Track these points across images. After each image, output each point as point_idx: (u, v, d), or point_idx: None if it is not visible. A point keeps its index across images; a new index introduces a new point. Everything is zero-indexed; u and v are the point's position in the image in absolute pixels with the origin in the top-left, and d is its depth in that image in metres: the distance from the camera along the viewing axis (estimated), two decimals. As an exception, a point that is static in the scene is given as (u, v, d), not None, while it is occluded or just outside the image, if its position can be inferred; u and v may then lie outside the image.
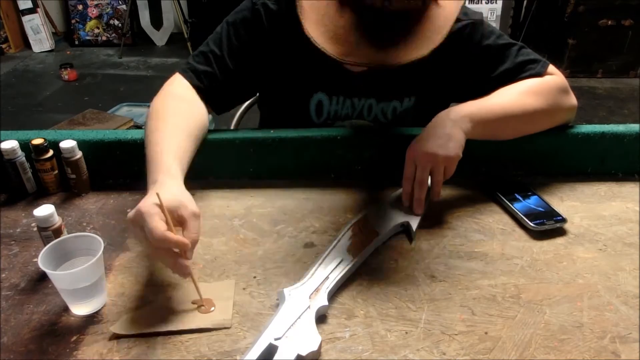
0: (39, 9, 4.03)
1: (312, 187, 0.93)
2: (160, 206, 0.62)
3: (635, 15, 3.30)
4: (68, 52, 4.12)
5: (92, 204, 0.89)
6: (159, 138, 0.77)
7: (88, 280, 0.63)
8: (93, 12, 4.16)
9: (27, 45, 4.10)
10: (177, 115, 0.82)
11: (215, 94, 0.91)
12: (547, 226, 0.81)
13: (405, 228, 0.81)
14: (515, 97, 0.87)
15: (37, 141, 0.86)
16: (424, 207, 0.82)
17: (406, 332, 0.63)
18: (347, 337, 0.62)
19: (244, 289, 0.70)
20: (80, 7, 4.15)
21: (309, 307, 0.63)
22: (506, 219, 0.85)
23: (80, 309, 0.65)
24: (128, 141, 0.91)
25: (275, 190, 0.91)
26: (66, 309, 0.66)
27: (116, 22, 4.19)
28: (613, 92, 3.32)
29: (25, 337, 0.62)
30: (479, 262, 0.75)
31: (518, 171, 0.97)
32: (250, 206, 0.87)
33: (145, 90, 3.35)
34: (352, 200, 0.89)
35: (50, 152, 0.88)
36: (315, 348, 0.58)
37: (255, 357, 0.56)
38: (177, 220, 0.64)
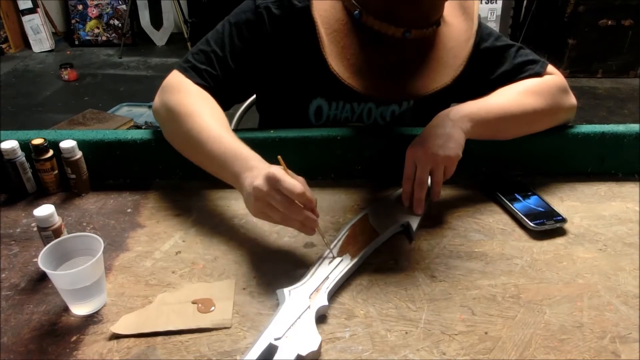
0: (39, 9, 4.03)
1: (312, 187, 0.92)
2: (286, 170, 0.68)
3: (635, 15, 3.30)
4: (68, 52, 4.12)
5: (92, 204, 0.89)
6: (215, 136, 0.77)
7: (88, 280, 0.63)
8: (93, 12, 4.16)
9: (27, 45, 4.10)
10: (210, 114, 0.81)
11: (217, 93, 0.90)
12: (547, 226, 0.81)
13: (405, 228, 0.81)
14: (515, 97, 0.88)
15: (37, 141, 0.86)
16: (424, 207, 0.82)
17: (406, 332, 0.63)
18: (347, 337, 0.62)
19: (244, 289, 0.70)
20: (80, 7, 4.15)
21: (309, 307, 0.63)
22: (506, 219, 0.85)
23: (80, 309, 0.65)
24: (128, 141, 0.91)
25: (275, 190, 0.91)
26: (66, 309, 0.66)
27: (116, 22, 4.19)
28: (613, 92, 3.33)
29: (25, 337, 0.62)
30: (479, 262, 0.75)
31: (518, 171, 0.97)
32: (250, 206, 0.87)
33: (145, 90, 3.35)
34: (352, 200, 0.89)
35: (50, 152, 0.88)
36: (315, 348, 0.58)
37: (255, 357, 0.56)
38: None
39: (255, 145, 0.92)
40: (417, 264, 0.75)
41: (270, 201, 0.67)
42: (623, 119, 2.98)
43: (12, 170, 0.87)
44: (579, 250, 0.78)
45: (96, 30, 4.21)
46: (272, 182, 0.66)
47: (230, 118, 1.33)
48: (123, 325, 0.63)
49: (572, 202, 0.90)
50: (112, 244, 0.78)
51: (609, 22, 3.33)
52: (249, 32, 0.89)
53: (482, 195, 0.91)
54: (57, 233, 0.72)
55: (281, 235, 0.80)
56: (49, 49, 4.10)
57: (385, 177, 0.94)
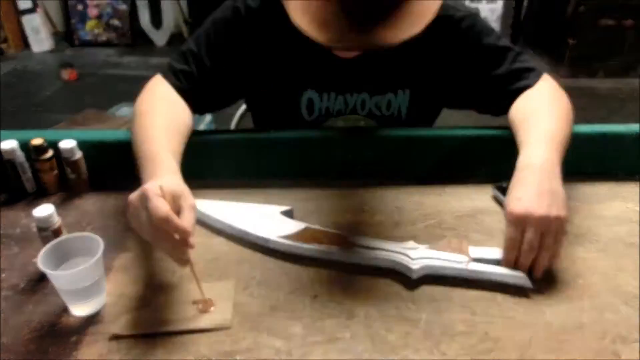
0: (38, 9, 4.02)
1: (312, 187, 0.93)
2: (163, 192, 0.62)
3: (636, 15, 3.29)
4: (68, 52, 4.12)
5: (92, 204, 0.89)
6: (150, 137, 0.77)
7: (88, 281, 0.63)
8: (93, 12, 4.16)
9: (27, 45, 4.09)
10: (163, 115, 0.82)
11: (193, 93, 0.89)
12: (547, 226, 0.81)
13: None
14: (559, 120, 0.84)
15: (37, 141, 0.86)
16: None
17: (406, 332, 0.63)
18: (347, 337, 0.62)
19: (244, 289, 0.70)
20: (80, 7, 4.14)
21: None
22: (506, 219, 0.85)
23: (80, 309, 0.65)
24: (128, 141, 0.90)
25: (275, 190, 0.91)
26: (66, 309, 0.66)
27: (116, 22, 4.18)
28: (613, 92, 3.32)
29: (25, 337, 0.62)
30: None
31: (518, 171, 0.97)
32: (250, 206, 0.87)
33: (145, 91, 3.34)
34: (352, 200, 0.89)
35: (50, 152, 0.88)
36: None
37: None
38: (175, 210, 0.63)
39: (255, 145, 0.92)
40: (417, 264, 0.74)
41: (138, 218, 0.62)
42: (623, 119, 2.96)
43: (12, 170, 0.87)
44: (579, 251, 0.78)
45: (96, 30, 4.20)
46: (142, 198, 0.61)
47: (230, 118, 1.33)
48: (123, 325, 0.63)
49: (572, 202, 0.90)
50: (112, 244, 0.78)
51: (609, 22, 3.33)
52: (226, 29, 0.89)
53: (482, 195, 0.91)
54: (56, 233, 0.72)
55: (281, 235, 0.80)
56: (49, 49, 4.10)
57: (385, 177, 0.94)
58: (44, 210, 0.71)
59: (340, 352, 0.60)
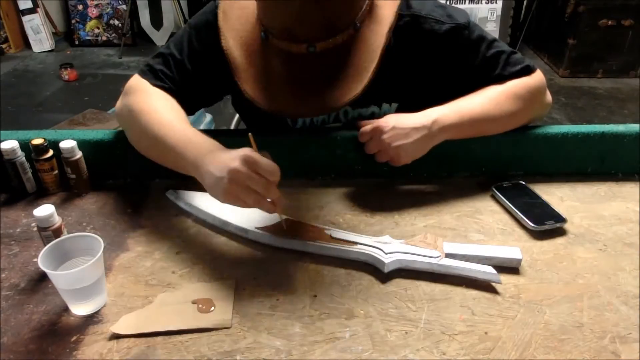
0: (39, 9, 4.02)
1: (312, 187, 0.93)
2: (256, 150, 0.69)
3: (635, 15, 3.29)
4: (68, 52, 4.12)
5: (92, 204, 0.89)
6: (171, 127, 0.77)
7: (88, 280, 0.63)
8: (93, 12, 4.16)
9: (27, 45, 4.10)
10: (169, 109, 0.82)
11: (175, 96, 0.87)
12: (547, 226, 0.81)
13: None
14: (493, 100, 0.87)
15: (37, 141, 0.86)
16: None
17: (406, 332, 0.63)
18: (347, 337, 0.62)
19: (244, 289, 0.70)
20: (80, 7, 4.14)
21: None
22: (506, 219, 0.85)
23: (80, 309, 0.65)
24: (128, 141, 0.91)
25: (275, 190, 0.91)
26: (66, 309, 0.66)
27: (116, 22, 4.18)
28: (613, 92, 3.32)
29: (25, 337, 0.62)
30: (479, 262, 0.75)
31: (518, 171, 0.97)
32: (250, 206, 0.87)
33: (145, 90, 3.34)
34: (352, 200, 0.89)
35: (50, 152, 0.88)
36: None
37: None
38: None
39: (255, 145, 0.92)
40: (417, 264, 0.75)
41: (248, 183, 0.66)
42: (623, 119, 2.98)
43: (12, 170, 0.87)
44: (579, 250, 0.78)
45: (96, 30, 4.21)
46: (250, 164, 0.66)
47: (230, 118, 1.33)
48: (123, 325, 0.63)
49: (572, 202, 0.90)
50: (112, 244, 0.78)
51: (609, 22, 3.33)
52: (208, 33, 0.86)
53: (482, 195, 0.91)
54: (57, 233, 0.72)
55: (281, 235, 0.80)
56: (49, 49, 4.10)
57: (385, 177, 0.94)
58: (44, 210, 0.71)
59: (340, 352, 0.60)
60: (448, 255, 0.73)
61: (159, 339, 0.62)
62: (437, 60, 0.90)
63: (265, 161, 0.67)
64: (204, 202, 0.83)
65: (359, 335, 0.63)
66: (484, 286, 0.70)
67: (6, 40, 4.02)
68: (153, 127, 0.78)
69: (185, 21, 3.97)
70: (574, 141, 0.94)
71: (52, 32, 4.18)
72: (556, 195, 0.91)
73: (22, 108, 3.10)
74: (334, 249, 0.75)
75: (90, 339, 0.62)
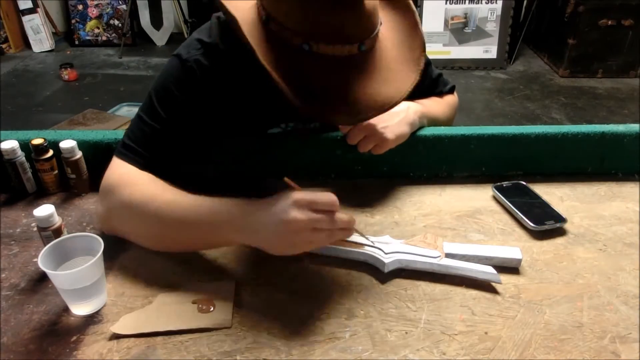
0: (39, 9, 4.02)
1: (312, 187, 0.92)
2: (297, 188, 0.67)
3: (635, 15, 3.29)
4: (68, 52, 4.12)
5: (92, 204, 0.89)
6: (186, 204, 0.70)
7: (88, 280, 0.63)
8: (93, 12, 4.16)
9: (27, 45, 4.09)
10: (169, 186, 0.75)
11: (162, 167, 0.79)
12: (547, 226, 0.81)
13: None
14: (443, 107, 1.03)
15: (37, 141, 0.86)
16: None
17: (406, 332, 0.63)
18: (347, 337, 0.62)
19: (244, 289, 0.70)
20: (80, 7, 4.14)
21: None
22: (506, 219, 0.85)
23: (80, 309, 0.65)
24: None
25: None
26: (66, 309, 0.66)
27: (116, 22, 4.18)
28: (613, 92, 3.32)
29: (25, 337, 0.62)
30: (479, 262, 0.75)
31: (518, 171, 0.97)
32: (250, 206, 0.87)
33: (145, 90, 3.32)
34: (352, 200, 0.89)
35: (50, 152, 0.88)
36: None
37: None
38: None
39: (256, 145, 0.92)
40: (417, 264, 0.75)
41: (315, 225, 0.63)
42: (623, 119, 2.98)
43: (12, 170, 0.87)
44: (579, 250, 0.78)
45: (96, 30, 4.20)
46: (305, 205, 0.62)
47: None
48: (123, 325, 0.63)
49: (572, 202, 0.90)
50: (112, 244, 0.78)
51: (609, 22, 3.33)
52: (181, 92, 0.79)
53: (482, 195, 0.91)
54: (57, 233, 0.72)
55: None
56: (49, 49, 4.10)
57: (385, 177, 0.94)
58: (44, 210, 0.71)
59: (340, 352, 0.60)
60: (448, 255, 0.73)
61: (159, 339, 0.62)
62: None
63: (319, 195, 0.63)
64: None
65: (359, 335, 0.63)
66: (484, 286, 0.70)
67: (6, 40, 4.02)
68: (165, 213, 0.71)
69: (185, 21, 3.97)
70: (574, 141, 0.94)
71: (52, 32, 4.17)
72: (556, 195, 0.91)
73: (22, 108, 3.09)
74: (334, 249, 0.75)
75: (90, 339, 0.62)
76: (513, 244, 0.79)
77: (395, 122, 0.86)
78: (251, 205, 0.67)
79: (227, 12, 0.71)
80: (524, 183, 0.92)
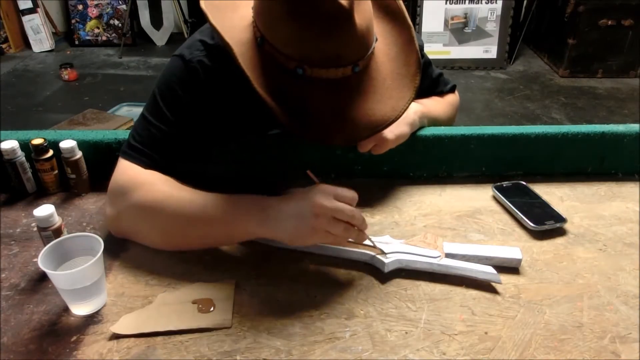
0: (39, 9, 4.02)
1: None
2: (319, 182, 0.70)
3: (635, 15, 3.29)
4: (68, 52, 4.12)
5: (92, 204, 0.89)
6: (201, 201, 0.72)
7: (88, 280, 0.63)
8: (93, 12, 4.16)
9: (27, 45, 4.09)
10: (181, 188, 0.75)
11: (170, 167, 0.79)
12: (547, 226, 0.81)
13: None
14: (444, 107, 1.03)
15: (37, 141, 0.86)
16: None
17: (406, 332, 0.63)
18: (347, 337, 0.62)
19: (244, 289, 0.70)
20: (80, 7, 4.14)
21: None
22: (506, 219, 0.85)
23: (80, 309, 0.65)
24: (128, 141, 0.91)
25: (275, 190, 0.91)
26: (66, 309, 0.66)
27: (116, 22, 4.18)
28: (613, 92, 3.32)
29: (25, 337, 0.62)
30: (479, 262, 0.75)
31: (518, 171, 0.97)
32: (250, 206, 0.87)
33: (145, 90, 3.34)
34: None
35: (50, 152, 0.88)
36: None
37: None
38: None
39: (255, 145, 0.92)
40: (417, 264, 0.75)
41: (336, 214, 0.66)
42: (623, 119, 2.98)
43: (12, 170, 0.87)
44: (579, 250, 0.78)
45: (96, 30, 4.20)
46: (330, 194, 0.66)
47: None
48: (123, 325, 0.63)
49: (572, 202, 0.90)
50: (112, 244, 0.78)
51: (609, 22, 3.33)
52: (185, 92, 0.78)
53: (482, 195, 0.91)
54: (57, 233, 0.72)
55: (281, 235, 0.80)
56: (49, 49, 4.09)
57: (386, 177, 0.94)
58: (44, 210, 0.71)
59: (340, 352, 0.60)
60: (448, 255, 0.73)
61: (159, 339, 0.62)
62: None
63: (342, 189, 0.67)
64: None
65: (359, 335, 0.63)
66: (484, 286, 0.70)
67: (6, 40, 4.02)
68: (182, 211, 0.72)
69: (185, 21, 3.97)
70: (574, 141, 0.94)
71: (52, 32, 4.17)
72: (556, 195, 0.91)
73: (22, 108, 3.09)
74: (334, 249, 0.75)
75: (90, 339, 0.62)
76: (513, 244, 0.79)
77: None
78: (271, 200, 0.70)
79: (221, 39, 0.71)
80: (524, 183, 0.92)
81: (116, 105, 2.82)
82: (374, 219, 0.85)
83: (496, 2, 3.51)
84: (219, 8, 0.75)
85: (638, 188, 0.94)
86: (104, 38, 4.22)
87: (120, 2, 4.13)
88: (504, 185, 0.91)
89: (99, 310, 0.66)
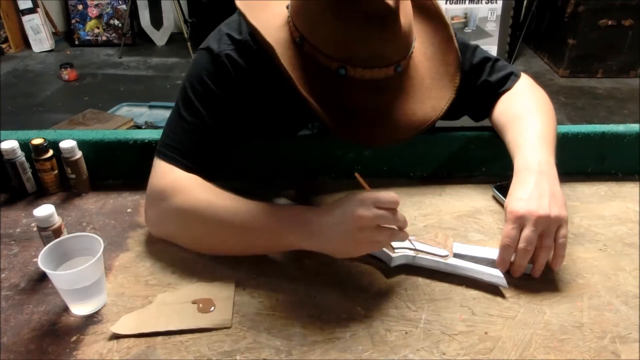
0: (39, 9, 4.02)
1: (312, 186, 0.92)
2: (366, 187, 0.68)
3: (635, 15, 3.29)
4: (68, 52, 4.12)
5: (92, 204, 0.89)
6: (241, 210, 0.71)
7: (88, 280, 0.63)
8: (93, 12, 4.16)
9: (27, 45, 4.09)
10: (220, 194, 0.73)
11: (208, 167, 0.78)
12: (547, 226, 0.81)
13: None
14: (546, 119, 0.84)
15: (37, 141, 0.86)
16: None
17: (406, 332, 0.63)
18: (347, 337, 0.62)
19: (244, 289, 0.70)
20: (80, 7, 4.14)
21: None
22: (506, 219, 0.85)
23: (80, 309, 0.65)
24: (128, 141, 0.91)
25: (275, 190, 0.91)
26: (66, 309, 0.66)
27: (116, 22, 4.18)
28: (613, 92, 3.32)
29: (25, 337, 0.62)
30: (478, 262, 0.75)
31: (518, 171, 0.97)
32: (250, 206, 0.87)
33: (145, 90, 3.34)
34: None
35: (50, 152, 0.88)
36: None
37: None
38: None
39: (256, 145, 0.92)
40: (417, 264, 0.75)
41: (380, 222, 0.64)
42: (623, 119, 2.98)
43: (12, 170, 0.87)
44: (579, 250, 0.78)
45: (96, 30, 4.21)
46: (371, 203, 0.64)
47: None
48: (123, 325, 0.63)
49: (572, 202, 0.90)
50: (112, 244, 0.78)
51: (609, 22, 3.33)
52: (217, 86, 0.77)
53: (482, 195, 0.91)
54: (57, 233, 0.72)
55: (281, 235, 0.80)
56: (49, 48, 4.10)
57: (386, 176, 0.94)
58: (44, 210, 0.71)
59: (340, 352, 0.60)
60: (456, 256, 0.73)
61: (159, 339, 0.62)
62: None
63: (382, 194, 0.65)
64: None
65: (359, 335, 0.63)
66: (484, 286, 0.70)
67: (6, 40, 4.02)
68: (225, 220, 0.71)
69: (185, 21, 3.96)
70: (574, 141, 0.94)
71: (52, 32, 4.17)
72: (556, 195, 0.91)
73: (22, 108, 3.10)
74: None
75: (90, 339, 0.62)
76: (513, 244, 0.79)
77: (547, 203, 0.70)
78: (313, 213, 0.69)
79: (262, 39, 0.69)
80: (524, 183, 0.92)
81: (116, 105, 2.82)
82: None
83: (496, 2, 3.51)
84: (252, 7, 0.74)
85: (638, 188, 0.94)
86: (104, 38, 4.22)
87: (120, 2, 4.13)
88: (504, 185, 0.91)
89: (99, 310, 0.66)
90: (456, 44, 0.77)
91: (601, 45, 3.41)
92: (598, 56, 3.46)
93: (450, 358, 0.60)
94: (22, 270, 0.73)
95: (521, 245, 0.68)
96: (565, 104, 3.14)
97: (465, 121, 0.96)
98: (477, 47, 0.90)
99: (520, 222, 0.69)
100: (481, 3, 3.50)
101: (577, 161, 0.97)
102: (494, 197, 0.90)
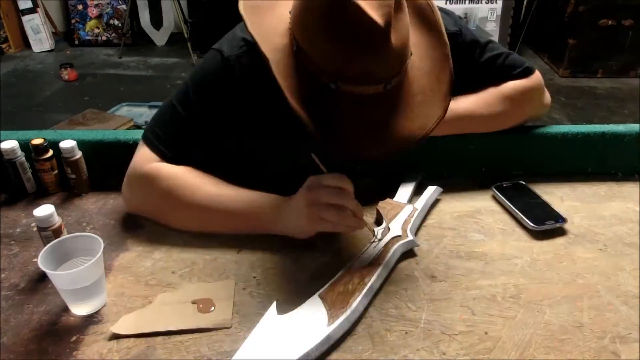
0: (39, 9, 4.02)
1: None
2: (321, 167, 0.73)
3: (635, 15, 3.29)
4: (68, 52, 4.12)
5: (92, 204, 0.89)
6: (224, 196, 0.78)
7: (88, 280, 0.63)
8: (93, 12, 4.16)
9: (27, 45, 4.10)
10: (202, 178, 0.80)
11: (190, 159, 0.82)
12: (547, 226, 0.81)
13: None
14: (480, 100, 0.88)
15: (37, 141, 0.86)
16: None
17: (406, 332, 0.63)
18: (347, 337, 0.62)
19: (243, 289, 0.70)
20: (80, 7, 4.14)
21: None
22: (506, 219, 0.85)
23: (80, 309, 0.65)
24: (128, 141, 0.91)
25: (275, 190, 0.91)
26: (66, 309, 0.66)
27: (116, 22, 4.19)
28: (613, 92, 3.32)
29: (25, 337, 0.62)
30: (479, 262, 0.75)
31: (518, 171, 0.97)
32: (250, 206, 0.87)
33: (145, 90, 3.34)
34: (352, 200, 0.89)
35: (50, 152, 0.88)
36: None
37: None
38: None
39: (255, 145, 0.92)
40: (417, 264, 0.75)
41: (325, 199, 0.70)
42: (623, 119, 2.98)
43: (12, 170, 0.87)
44: (579, 250, 0.78)
45: (96, 30, 4.21)
46: (317, 181, 0.71)
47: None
48: (123, 325, 0.63)
49: (572, 202, 0.90)
50: (112, 244, 0.78)
51: (609, 22, 3.33)
52: (217, 86, 0.80)
53: (482, 195, 0.91)
54: (57, 233, 0.72)
55: (281, 235, 0.80)
56: (49, 48, 4.10)
57: (386, 176, 0.94)
58: (44, 210, 0.71)
59: (340, 352, 0.60)
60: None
61: (159, 339, 0.62)
62: None
63: (331, 174, 0.71)
64: None
65: (359, 335, 0.63)
66: (484, 286, 0.70)
67: (6, 40, 4.02)
68: (209, 204, 0.78)
69: (185, 21, 3.96)
70: (574, 141, 0.94)
71: (52, 32, 4.18)
72: (556, 195, 0.91)
73: (22, 108, 3.09)
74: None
75: (90, 339, 0.62)
76: (513, 244, 0.79)
77: None
78: (284, 198, 0.77)
79: (258, 48, 0.70)
80: (524, 183, 0.92)
81: (116, 105, 2.82)
82: (373, 219, 0.85)
83: (496, 2, 3.50)
84: (258, 9, 0.74)
85: (638, 188, 0.94)
86: (104, 38, 4.22)
87: (120, 2, 4.13)
88: (504, 185, 0.91)
89: (99, 310, 0.66)
90: (451, 65, 0.76)
91: (601, 45, 3.41)
92: (598, 56, 3.46)
93: (450, 358, 0.60)
94: (22, 270, 0.73)
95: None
96: (565, 104, 3.14)
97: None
98: (487, 43, 0.89)
99: None
100: (481, 3, 3.50)
101: (577, 161, 0.97)
102: (494, 197, 0.90)
